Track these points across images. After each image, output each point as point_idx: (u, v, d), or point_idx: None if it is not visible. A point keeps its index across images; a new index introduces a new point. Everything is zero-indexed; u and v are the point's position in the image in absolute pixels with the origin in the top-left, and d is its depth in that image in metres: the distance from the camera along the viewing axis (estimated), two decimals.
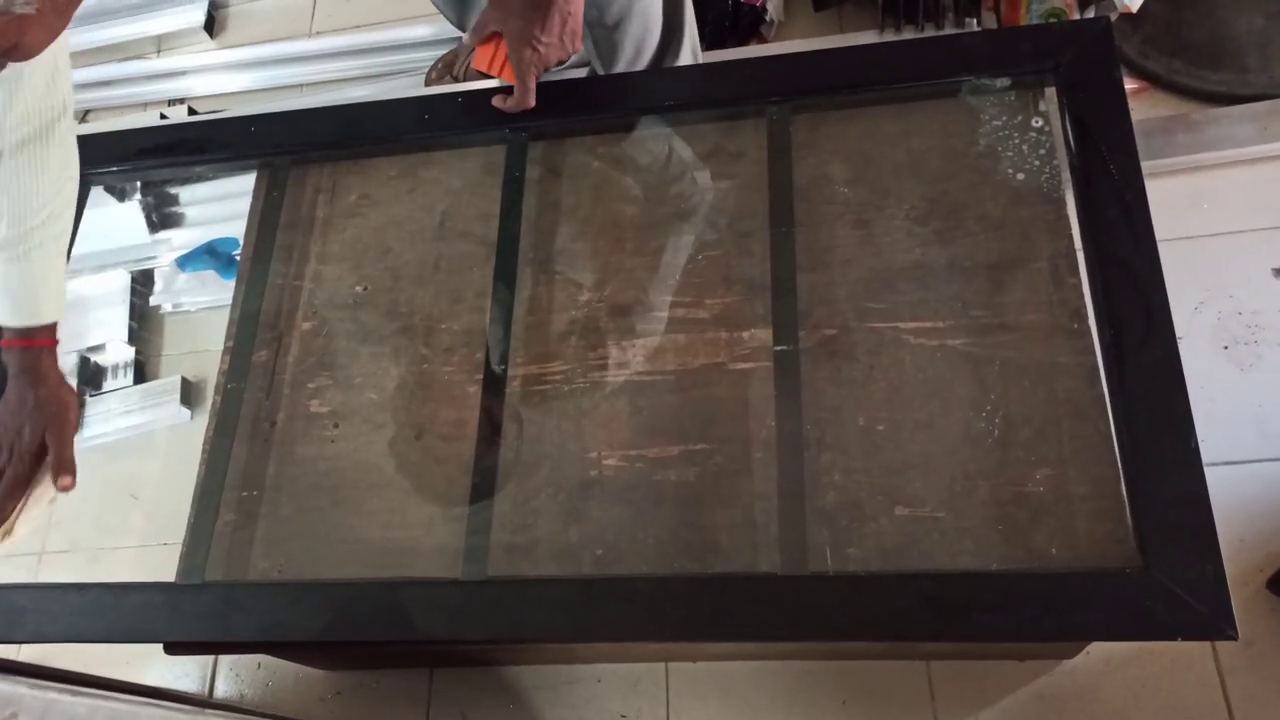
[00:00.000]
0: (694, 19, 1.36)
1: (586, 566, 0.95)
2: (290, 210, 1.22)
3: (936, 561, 0.88)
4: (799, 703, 1.32)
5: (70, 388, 1.05)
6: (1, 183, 0.93)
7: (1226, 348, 1.40)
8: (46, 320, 1.00)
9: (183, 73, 2.17)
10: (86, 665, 1.29)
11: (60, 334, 1.04)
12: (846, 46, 1.14)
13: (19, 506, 1.03)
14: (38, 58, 0.88)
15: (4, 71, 0.88)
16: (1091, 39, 1.02)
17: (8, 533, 1.03)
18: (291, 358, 1.14)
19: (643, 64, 1.33)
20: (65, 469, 1.02)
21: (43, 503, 1.05)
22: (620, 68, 1.31)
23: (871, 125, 1.09)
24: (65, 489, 1.03)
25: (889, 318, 0.99)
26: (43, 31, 0.48)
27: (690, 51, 1.39)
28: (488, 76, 1.13)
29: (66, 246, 1.01)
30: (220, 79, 2.16)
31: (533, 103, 1.09)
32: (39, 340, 1.00)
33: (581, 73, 1.55)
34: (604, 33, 1.25)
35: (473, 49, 1.13)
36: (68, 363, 1.82)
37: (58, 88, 0.94)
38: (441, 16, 1.67)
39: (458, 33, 1.69)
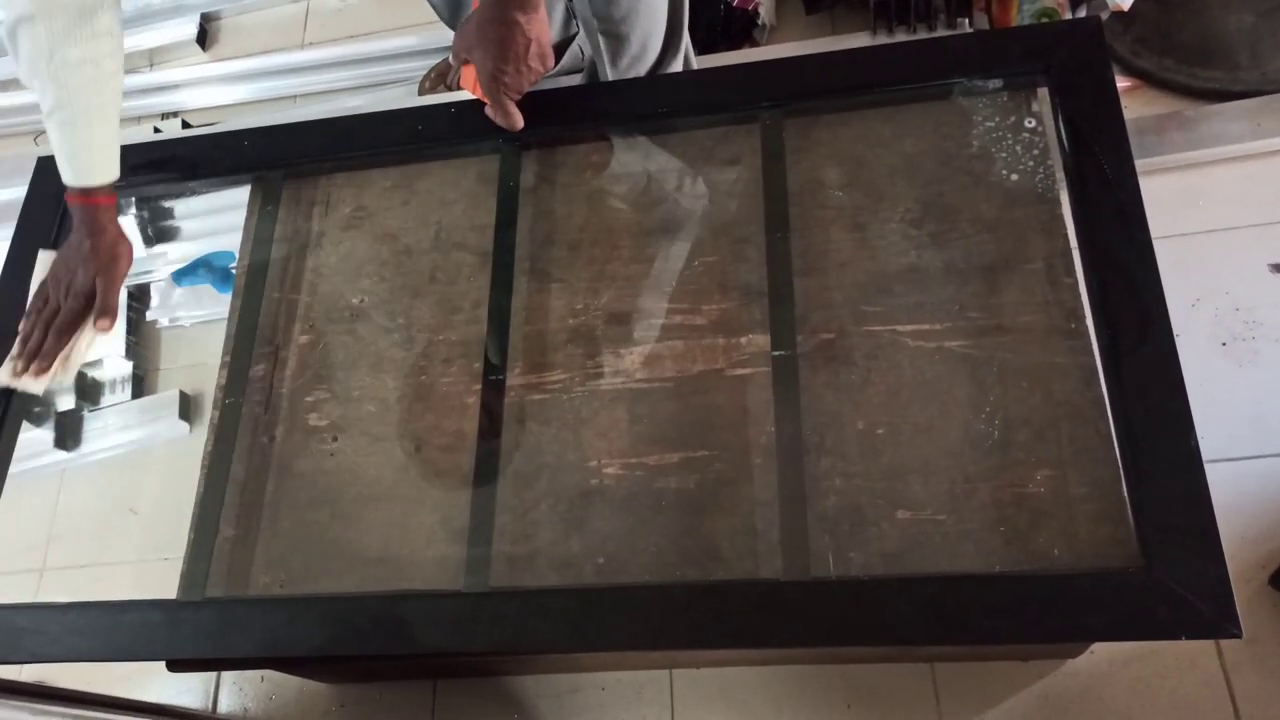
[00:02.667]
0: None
1: (588, 576, 0.95)
2: (285, 223, 1.22)
3: (939, 565, 0.88)
4: (803, 707, 1.32)
5: (127, 241, 1.11)
6: (54, 52, 0.98)
7: (1224, 344, 1.40)
8: (101, 181, 1.06)
9: (176, 86, 2.17)
10: (89, 683, 1.29)
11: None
12: (838, 50, 1.13)
13: (70, 344, 1.10)
14: None
15: None
16: (1083, 38, 1.02)
17: (46, 369, 1.09)
18: (289, 371, 1.14)
19: (648, 60, 1.32)
20: (107, 312, 1.09)
21: (81, 345, 1.11)
22: (624, 63, 1.30)
23: (865, 128, 1.09)
24: (103, 330, 1.10)
25: (886, 321, 0.99)
26: None
27: (684, 51, 1.39)
28: None
29: (118, 114, 1.06)
30: (213, 92, 2.16)
31: (519, 124, 1.10)
32: (98, 199, 1.07)
33: (576, 79, 1.55)
34: (611, 26, 1.25)
35: (458, 69, 1.13)
36: (66, 379, 1.82)
37: None
38: (432, 27, 1.68)
39: (450, 40, 1.69)
